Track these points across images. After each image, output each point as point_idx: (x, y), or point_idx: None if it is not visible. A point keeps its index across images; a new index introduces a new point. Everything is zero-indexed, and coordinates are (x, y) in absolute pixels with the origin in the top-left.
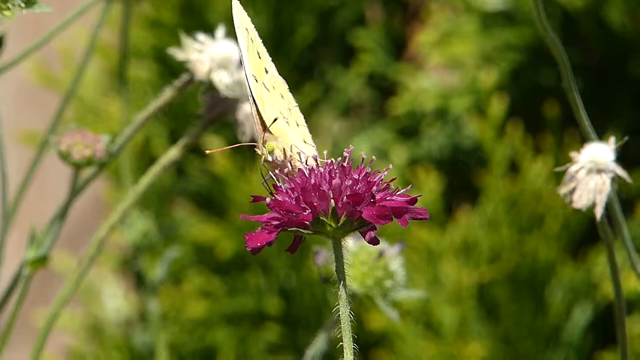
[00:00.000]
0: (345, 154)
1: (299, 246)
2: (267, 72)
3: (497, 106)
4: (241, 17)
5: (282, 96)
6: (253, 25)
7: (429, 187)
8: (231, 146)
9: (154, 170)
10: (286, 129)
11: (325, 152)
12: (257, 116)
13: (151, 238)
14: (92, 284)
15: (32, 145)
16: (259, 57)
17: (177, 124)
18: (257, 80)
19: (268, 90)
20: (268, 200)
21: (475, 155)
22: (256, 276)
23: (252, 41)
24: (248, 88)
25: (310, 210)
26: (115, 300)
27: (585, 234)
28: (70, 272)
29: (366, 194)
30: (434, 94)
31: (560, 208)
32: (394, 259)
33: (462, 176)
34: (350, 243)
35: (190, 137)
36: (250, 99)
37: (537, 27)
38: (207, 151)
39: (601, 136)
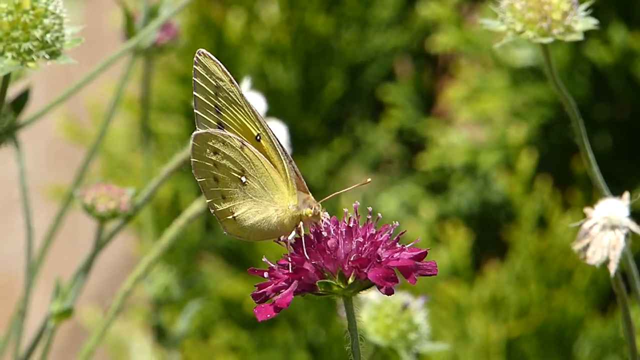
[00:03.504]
0: (344, 214)
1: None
2: None
3: (526, 161)
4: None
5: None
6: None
7: (458, 242)
8: None
9: (179, 223)
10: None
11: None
12: (296, 175)
13: (172, 292)
14: (121, 339)
15: (60, 201)
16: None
17: None
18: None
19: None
20: (266, 273)
21: (504, 211)
22: (284, 331)
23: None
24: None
25: (317, 273)
26: (143, 355)
27: None
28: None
29: (372, 256)
30: (463, 149)
31: None
32: (418, 312)
33: (490, 231)
34: (375, 296)
35: None
36: (286, 158)
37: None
38: None
39: (633, 191)
